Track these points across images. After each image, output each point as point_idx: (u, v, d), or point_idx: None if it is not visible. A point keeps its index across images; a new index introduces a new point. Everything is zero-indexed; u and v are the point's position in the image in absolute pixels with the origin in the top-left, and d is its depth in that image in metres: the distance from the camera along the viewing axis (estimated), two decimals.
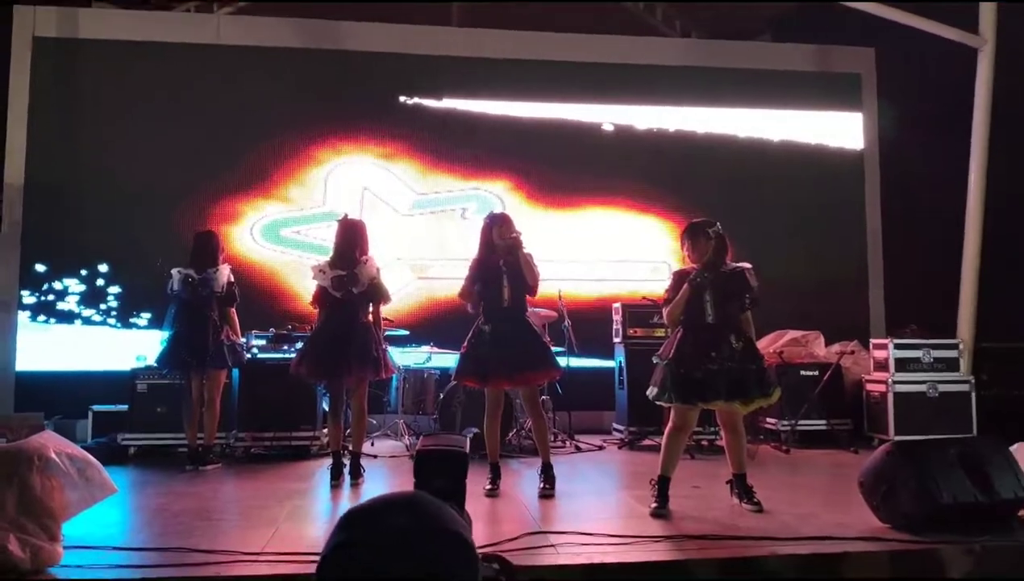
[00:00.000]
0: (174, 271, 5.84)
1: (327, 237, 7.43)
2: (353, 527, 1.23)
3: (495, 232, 4.86)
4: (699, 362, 4.29)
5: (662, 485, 4.36)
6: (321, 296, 5.17)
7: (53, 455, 3.36)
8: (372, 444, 6.55)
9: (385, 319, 6.79)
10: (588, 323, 7.42)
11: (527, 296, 4.89)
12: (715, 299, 4.39)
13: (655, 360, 4.52)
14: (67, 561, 3.24)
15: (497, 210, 7.87)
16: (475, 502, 4.49)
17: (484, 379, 4.81)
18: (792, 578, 3.41)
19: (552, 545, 3.58)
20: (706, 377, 4.27)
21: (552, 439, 6.74)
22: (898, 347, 6.87)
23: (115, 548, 3.47)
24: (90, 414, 6.54)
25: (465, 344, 4.89)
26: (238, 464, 6.04)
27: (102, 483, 3.55)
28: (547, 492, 4.73)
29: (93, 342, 7.37)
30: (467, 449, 2.38)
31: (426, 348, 7.01)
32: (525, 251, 4.81)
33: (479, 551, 1.35)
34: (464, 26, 8.51)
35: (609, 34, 8.51)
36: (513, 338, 4.76)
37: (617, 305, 7.22)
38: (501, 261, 4.82)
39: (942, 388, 6.83)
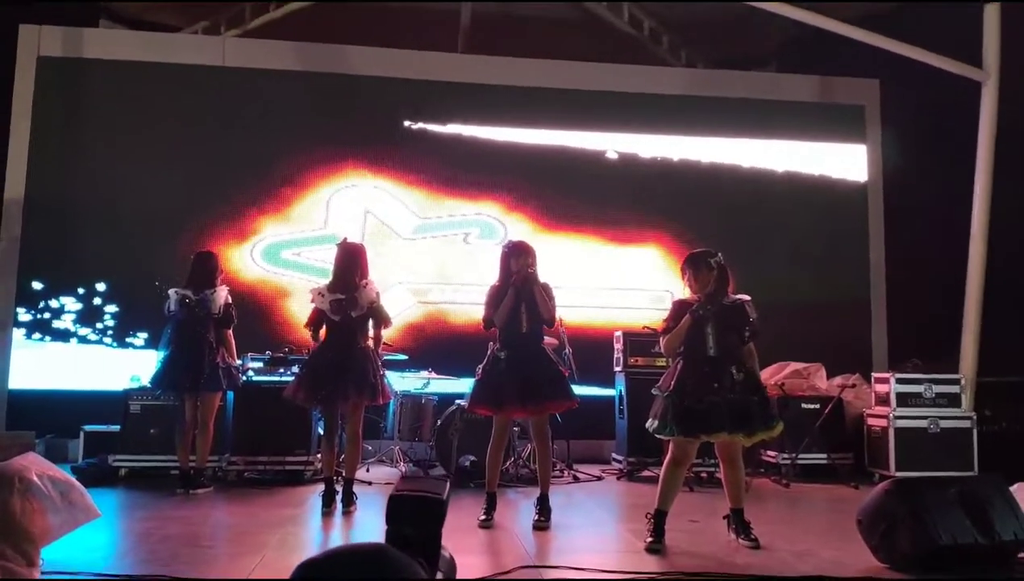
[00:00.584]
0: (171, 291, 5.80)
1: (327, 259, 7.41)
2: (308, 579, 1.17)
3: (512, 262, 4.82)
4: (701, 394, 4.23)
5: (658, 520, 4.28)
6: (318, 319, 5.13)
7: (35, 478, 3.30)
8: (367, 470, 6.47)
9: (384, 343, 6.77)
10: (589, 351, 7.33)
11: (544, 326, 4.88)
12: (716, 331, 4.34)
13: (655, 392, 4.46)
14: None
15: (502, 236, 7.93)
16: (468, 534, 4.42)
17: (498, 406, 4.76)
18: None
19: (544, 580, 3.50)
20: (709, 409, 4.21)
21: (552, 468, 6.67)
22: (900, 382, 6.79)
23: (95, 575, 3.40)
24: (82, 434, 6.47)
25: (479, 370, 4.85)
26: (231, 488, 5.96)
27: (85, 507, 3.48)
28: (541, 524, 4.66)
29: (88, 361, 7.32)
30: (445, 495, 2.29)
31: (424, 373, 6.95)
32: (541, 283, 4.80)
33: None
34: (470, 52, 8.54)
35: (614, 63, 8.53)
36: (529, 365, 4.73)
37: (618, 333, 7.16)
38: (519, 288, 4.78)
39: (944, 424, 6.74)
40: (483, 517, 4.70)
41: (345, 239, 5.47)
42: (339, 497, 5.00)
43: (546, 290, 4.80)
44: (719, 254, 4.45)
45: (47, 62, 7.60)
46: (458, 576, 3.34)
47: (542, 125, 8.23)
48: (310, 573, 1.12)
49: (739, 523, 4.34)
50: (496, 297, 4.84)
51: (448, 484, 2.48)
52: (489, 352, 4.86)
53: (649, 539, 4.19)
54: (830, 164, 8.69)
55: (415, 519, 2.14)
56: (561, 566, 3.67)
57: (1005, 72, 7.27)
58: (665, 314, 4.64)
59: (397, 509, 2.17)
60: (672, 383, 4.33)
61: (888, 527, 3.79)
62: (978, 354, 7.33)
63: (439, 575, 2.21)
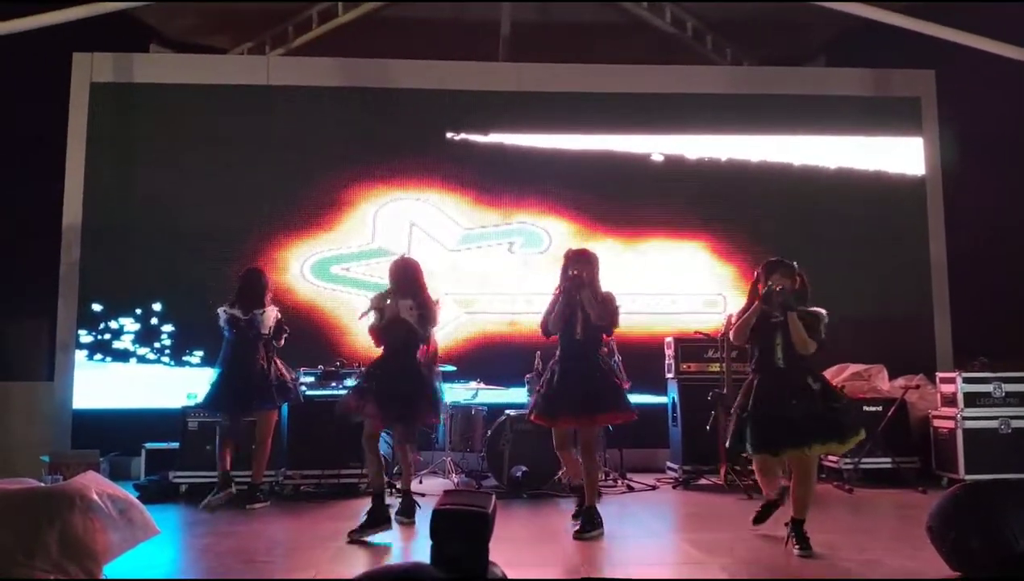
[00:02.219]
0: (220, 310, 5.88)
1: (375, 274, 7.50)
2: None
3: (568, 268, 4.88)
4: (779, 407, 4.18)
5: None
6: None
7: (95, 496, 3.34)
8: (420, 482, 6.46)
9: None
10: (640, 358, 7.22)
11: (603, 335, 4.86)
12: (785, 342, 4.26)
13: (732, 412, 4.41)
14: None
15: (546, 244, 7.89)
16: (520, 545, 4.37)
17: (552, 417, 4.78)
18: None
19: None
20: (785, 425, 4.16)
21: (603, 478, 6.58)
22: (967, 381, 6.53)
23: None
24: (143, 452, 6.60)
25: (541, 381, 4.91)
26: (286, 502, 6.01)
27: (144, 524, 3.52)
28: (580, 534, 4.56)
29: (147, 380, 7.48)
30: (491, 508, 2.23)
31: (473, 384, 6.92)
32: (604, 291, 4.81)
33: None
34: (510, 60, 8.53)
35: (658, 64, 8.43)
36: (580, 376, 4.71)
37: (669, 339, 7.05)
38: (577, 295, 4.78)
39: (1015, 424, 6.46)
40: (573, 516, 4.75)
41: (402, 256, 5.52)
42: (395, 511, 4.97)
43: (607, 298, 4.79)
44: (795, 263, 4.46)
45: (99, 88, 7.80)
46: None
47: (585, 130, 8.15)
48: None
49: (799, 534, 4.21)
50: (552, 304, 4.85)
51: (494, 498, 2.42)
52: (550, 362, 4.89)
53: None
54: (886, 159, 8.42)
55: (459, 535, 2.08)
56: (617, 578, 3.59)
57: None
58: (717, 318, 4.62)
59: (440, 525, 2.12)
60: (748, 399, 4.27)
61: (960, 533, 3.61)
62: None
63: None
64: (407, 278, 5.16)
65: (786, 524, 4.32)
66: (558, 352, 4.86)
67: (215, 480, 6.06)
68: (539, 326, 4.92)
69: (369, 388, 4.97)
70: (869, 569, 3.76)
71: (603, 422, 4.89)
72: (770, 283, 4.32)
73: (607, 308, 4.76)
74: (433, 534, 2.18)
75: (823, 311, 4.39)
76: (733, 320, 4.63)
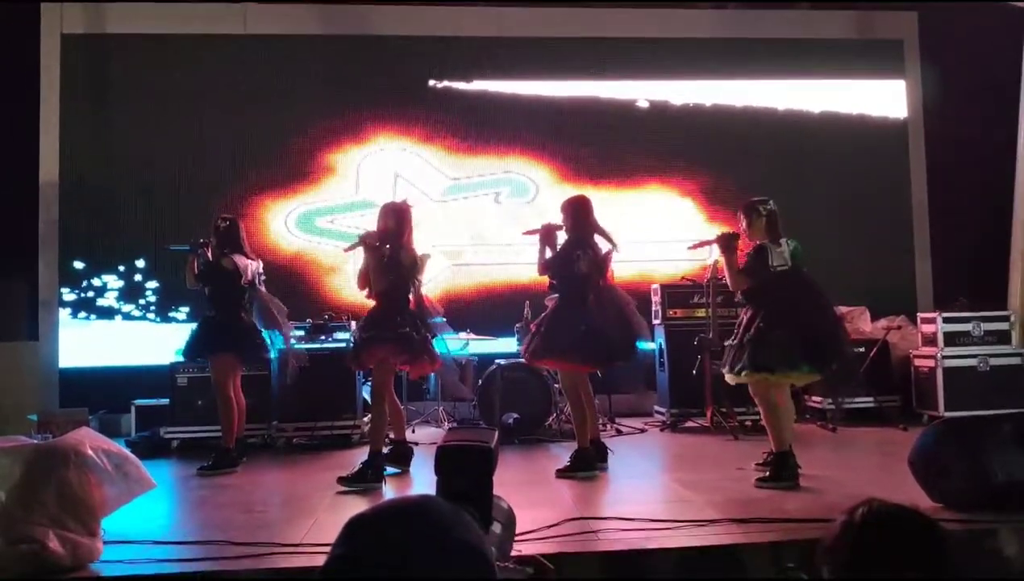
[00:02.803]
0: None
1: (361, 225, 7.45)
2: (355, 537, 1.15)
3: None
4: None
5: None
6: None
7: (90, 452, 3.36)
8: (413, 431, 6.52)
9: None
10: None
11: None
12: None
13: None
14: (107, 556, 3.26)
15: (532, 193, 7.90)
16: (513, 489, 4.42)
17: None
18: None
19: (593, 531, 3.52)
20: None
21: None
22: (947, 321, 6.65)
23: (155, 542, 3.48)
24: (133, 409, 6.60)
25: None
26: (280, 454, 6.07)
27: (140, 478, 3.55)
28: (561, 472, 4.79)
29: (133, 337, 7.44)
30: (494, 443, 2.28)
31: (463, 334, 6.95)
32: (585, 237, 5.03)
33: (516, 545, 1.27)
34: (491, 4, 8.38)
35: (641, 6, 8.31)
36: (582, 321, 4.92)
37: (656, 286, 7.10)
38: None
39: (993, 362, 6.60)
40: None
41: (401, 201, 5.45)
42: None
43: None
44: (770, 201, 4.63)
45: (71, 40, 7.58)
46: None
47: (569, 76, 8.06)
48: (359, 529, 1.12)
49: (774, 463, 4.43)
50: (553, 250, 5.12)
51: (496, 433, 2.48)
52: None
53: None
54: (869, 102, 8.41)
55: (464, 469, 2.14)
56: (609, 517, 3.68)
57: None
58: (702, 264, 4.77)
59: (445, 460, 2.18)
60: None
61: (941, 467, 3.74)
62: None
63: (496, 524, 2.22)
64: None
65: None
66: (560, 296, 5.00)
67: (206, 435, 6.03)
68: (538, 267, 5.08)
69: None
70: (852, 502, 3.85)
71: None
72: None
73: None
74: (438, 470, 2.24)
75: (780, 242, 4.55)
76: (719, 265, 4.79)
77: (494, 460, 2.32)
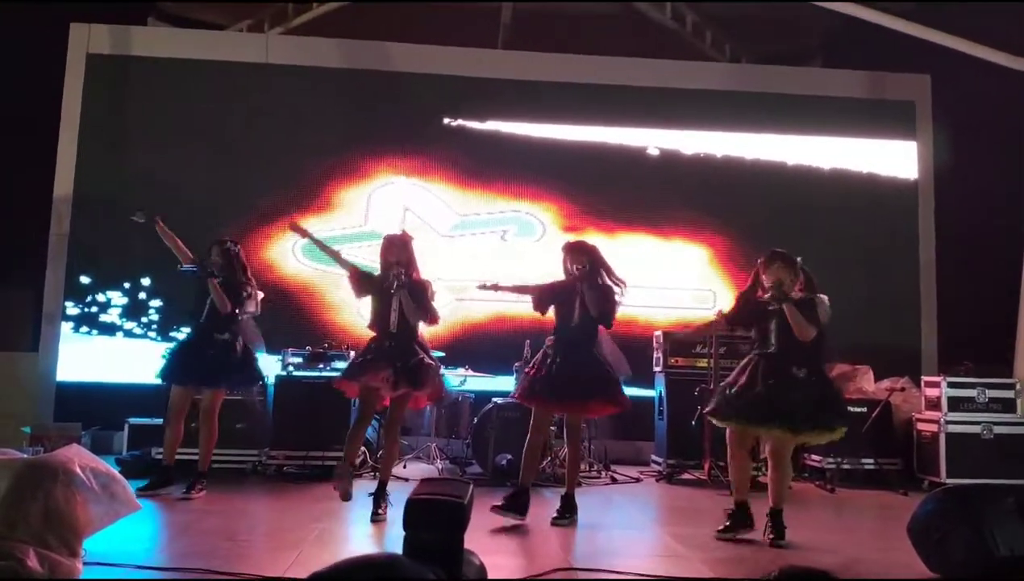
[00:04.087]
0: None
1: (367, 256, 7.46)
2: None
3: (570, 261, 4.90)
4: (762, 385, 4.31)
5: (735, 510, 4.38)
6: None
7: (78, 470, 3.33)
8: (404, 467, 6.47)
9: None
10: (628, 350, 7.16)
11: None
12: (779, 327, 4.39)
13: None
14: (86, 576, 3.19)
15: (540, 233, 7.89)
16: (503, 534, 4.38)
17: (530, 398, 4.77)
18: None
19: None
20: (752, 400, 4.28)
21: (587, 469, 6.61)
22: (951, 385, 6.57)
23: (136, 566, 3.43)
24: (126, 426, 6.56)
25: (532, 363, 4.90)
26: (270, 483, 6.00)
27: (126, 499, 3.51)
28: (558, 521, 4.64)
29: (133, 355, 7.43)
30: (467, 498, 2.21)
31: (461, 371, 6.92)
32: (598, 279, 4.81)
33: None
34: (510, 48, 8.49)
35: (657, 58, 8.41)
36: (571, 362, 4.71)
37: (658, 333, 7.06)
38: (578, 284, 4.81)
39: (998, 430, 6.51)
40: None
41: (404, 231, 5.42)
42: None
43: (606, 292, 4.81)
44: (799, 259, 4.56)
45: (96, 60, 7.73)
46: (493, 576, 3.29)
47: (582, 122, 8.14)
48: None
49: (776, 523, 4.28)
50: (551, 285, 4.94)
51: (471, 487, 2.39)
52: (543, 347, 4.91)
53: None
54: (879, 161, 8.45)
55: (434, 525, 2.06)
56: (598, 569, 3.60)
57: None
58: (706, 313, 4.71)
59: (414, 514, 2.10)
60: (734, 376, 4.44)
61: (941, 537, 3.66)
62: None
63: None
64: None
65: (766, 515, 4.37)
66: (551, 335, 4.87)
67: (198, 458, 5.93)
68: (532, 302, 4.93)
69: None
70: (847, 568, 3.78)
71: (586, 411, 4.91)
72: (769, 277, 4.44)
73: (606, 304, 4.76)
74: (407, 524, 2.16)
75: (823, 296, 4.50)
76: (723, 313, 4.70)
77: (467, 516, 2.24)
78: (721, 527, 4.37)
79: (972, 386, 6.60)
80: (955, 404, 6.53)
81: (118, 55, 7.80)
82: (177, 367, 5.37)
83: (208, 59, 7.89)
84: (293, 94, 7.91)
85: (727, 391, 4.42)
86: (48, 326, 7.44)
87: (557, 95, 8.13)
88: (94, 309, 7.51)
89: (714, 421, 4.55)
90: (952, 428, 6.45)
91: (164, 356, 5.47)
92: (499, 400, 6.31)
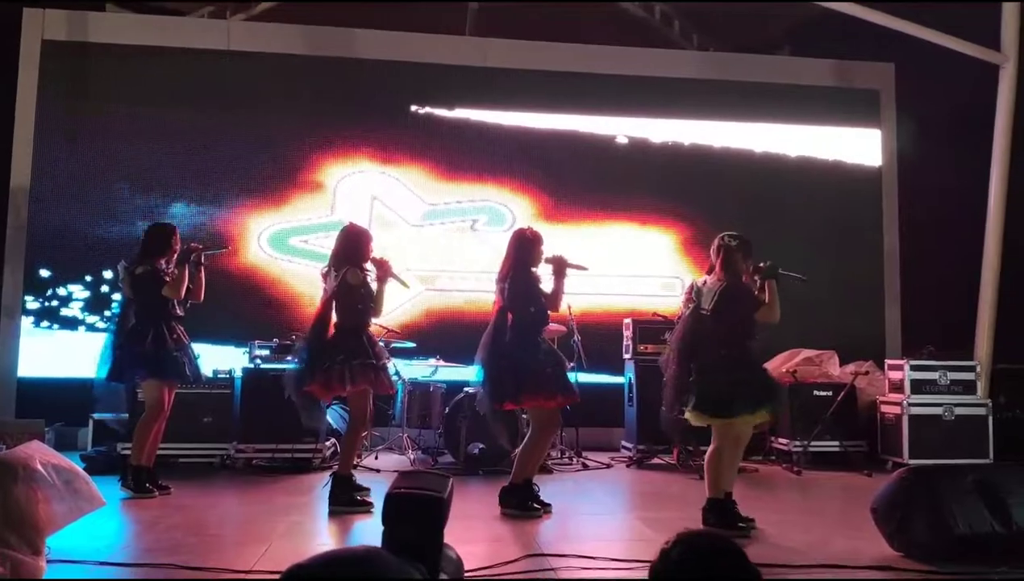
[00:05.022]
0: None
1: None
2: None
3: (537, 250, 4.84)
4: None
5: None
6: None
7: (39, 466, 3.27)
8: (376, 458, 6.44)
9: (391, 331, 6.72)
10: (598, 338, 7.30)
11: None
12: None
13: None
14: (50, 575, 3.14)
15: (510, 222, 7.85)
16: (475, 522, 4.38)
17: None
18: None
19: (552, 569, 3.47)
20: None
21: (559, 456, 6.64)
22: (914, 368, 6.71)
23: (100, 563, 3.38)
24: (90, 422, 6.45)
25: (545, 361, 4.75)
26: (238, 476, 5.94)
27: (90, 495, 3.45)
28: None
29: (95, 349, 7.24)
30: (447, 492, 2.19)
31: (432, 361, 6.90)
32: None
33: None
34: (477, 36, 8.44)
35: (625, 46, 8.41)
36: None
37: (628, 321, 7.10)
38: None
39: (959, 411, 6.65)
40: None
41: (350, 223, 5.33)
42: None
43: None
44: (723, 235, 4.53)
45: (51, 46, 7.52)
46: (465, 566, 3.29)
47: (551, 109, 8.13)
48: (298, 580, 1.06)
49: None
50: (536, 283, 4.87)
51: (451, 481, 2.36)
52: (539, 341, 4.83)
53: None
54: (844, 149, 8.56)
55: (413, 520, 2.04)
56: (568, 555, 3.62)
57: (1023, 54, 7.13)
58: (675, 301, 4.67)
59: (394, 509, 2.08)
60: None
61: (904, 516, 3.74)
62: (993, 340, 7.25)
63: (443, 576, 2.14)
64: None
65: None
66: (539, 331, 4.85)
67: (164, 452, 5.81)
68: (552, 306, 4.85)
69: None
70: (814, 549, 3.84)
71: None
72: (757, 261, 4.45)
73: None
74: (386, 519, 2.13)
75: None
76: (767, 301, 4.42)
77: (446, 511, 2.22)
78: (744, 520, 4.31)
79: (934, 369, 6.74)
80: (918, 387, 6.66)
81: (75, 41, 7.60)
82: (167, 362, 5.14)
83: (168, 45, 7.72)
84: (256, 81, 7.78)
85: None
86: (7, 321, 7.27)
87: (525, 83, 8.10)
88: (55, 303, 7.36)
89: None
90: (915, 410, 6.58)
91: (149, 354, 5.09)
92: (470, 390, 6.29)
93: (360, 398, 4.81)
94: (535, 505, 4.64)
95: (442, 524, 2.12)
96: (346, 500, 4.64)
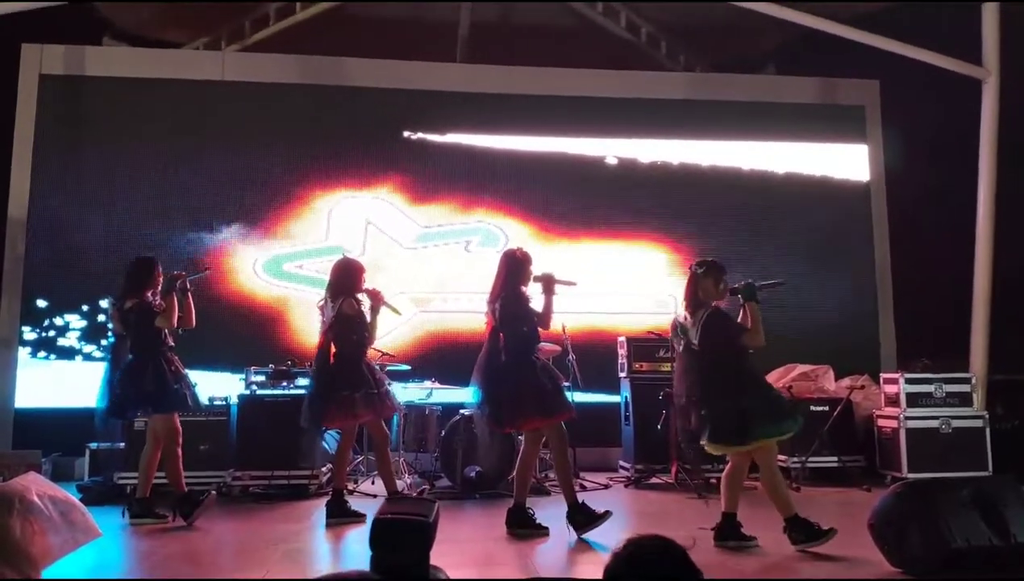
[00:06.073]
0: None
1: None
2: None
3: (527, 270, 4.91)
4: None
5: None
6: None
7: (35, 498, 3.28)
8: (372, 483, 6.42)
9: (386, 354, 6.75)
10: (593, 357, 7.31)
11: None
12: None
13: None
14: None
15: (503, 243, 7.90)
16: (471, 545, 4.38)
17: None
18: None
19: None
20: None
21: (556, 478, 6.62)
22: (909, 382, 6.71)
23: None
24: (87, 452, 6.44)
25: (542, 379, 4.78)
26: (234, 503, 5.92)
27: (86, 527, 3.46)
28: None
29: (93, 379, 7.24)
30: (433, 517, 2.22)
31: (428, 383, 6.90)
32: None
33: None
34: (468, 62, 8.54)
35: (613, 69, 8.50)
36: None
37: (622, 339, 7.12)
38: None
39: (956, 423, 6.65)
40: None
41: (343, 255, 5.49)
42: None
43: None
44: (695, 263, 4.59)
45: (49, 80, 7.61)
46: None
47: (541, 132, 8.20)
48: None
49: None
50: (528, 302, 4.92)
51: (437, 506, 2.40)
52: (537, 361, 4.86)
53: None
54: (832, 164, 8.63)
55: (400, 544, 2.08)
56: (568, 578, 3.62)
57: (1005, 69, 7.23)
58: (668, 318, 4.70)
59: (381, 534, 2.11)
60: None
61: (900, 531, 3.74)
62: (988, 352, 7.26)
63: None
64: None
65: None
66: (534, 350, 4.88)
67: (160, 482, 5.79)
68: (543, 323, 4.87)
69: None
70: (812, 565, 3.84)
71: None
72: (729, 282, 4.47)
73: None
74: (373, 543, 2.17)
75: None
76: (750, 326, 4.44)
77: (432, 534, 2.26)
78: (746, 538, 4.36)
79: (930, 382, 6.74)
80: (913, 400, 6.66)
81: (72, 75, 7.69)
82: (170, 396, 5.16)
83: (164, 77, 7.80)
84: (251, 111, 7.86)
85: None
86: (5, 351, 7.28)
87: (516, 107, 8.19)
88: (52, 333, 7.38)
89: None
90: (911, 424, 6.59)
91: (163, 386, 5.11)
92: (466, 411, 6.29)
93: (375, 426, 5.20)
94: (538, 524, 4.68)
95: (428, 547, 2.15)
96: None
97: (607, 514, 4.62)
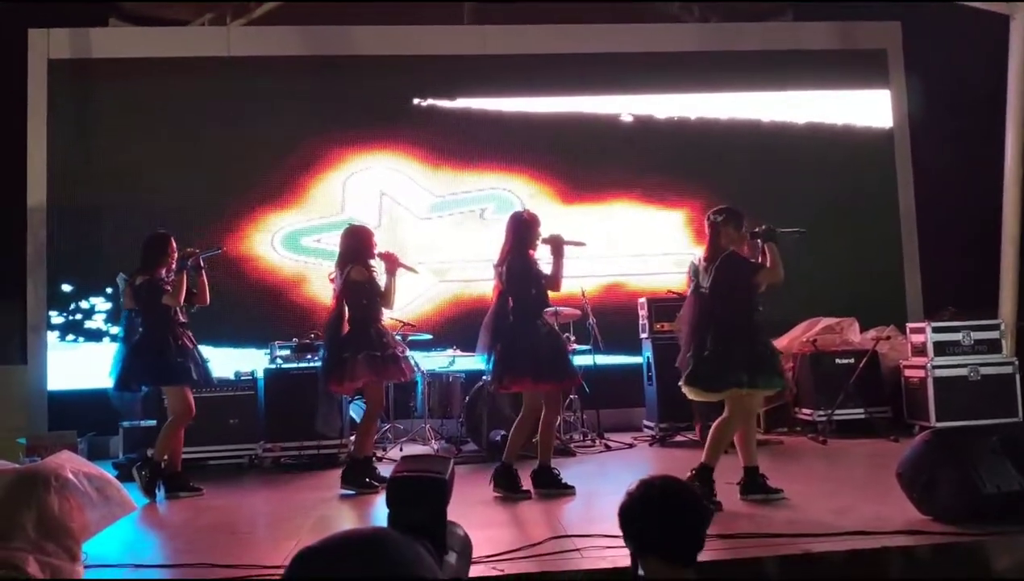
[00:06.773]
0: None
1: None
2: (305, 570, 1.14)
3: (534, 232, 4.86)
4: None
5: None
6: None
7: (70, 475, 3.34)
8: (401, 449, 6.49)
9: (407, 324, 6.79)
10: (613, 319, 7.30)
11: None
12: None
13: None
14: (88, 576, 3.22)
15: (519, 208, 7.86)
16: (498, 506, 4.43)
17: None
18: (829, 576, 3.28)
19: (577, 549, 3.50)
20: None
21: (582, 438, 6.67)
22: (936, 330, 6.63)
23: (136, 565, 3.46)
24: (121, 430, 6.57)
25: (541, 344, 4.75)
26: (266, 474, 6.03)
27: (121, 501, 3.53)
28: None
29: None
30: (448, 473, 2.25)
31: (450, 351, 6.93)
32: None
33: (501, 564, 1.26)
34: (474, 23, 8.42)
35: (625, 23, 8.35)
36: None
37: (642, 300, 7.09)
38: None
39: (984, 371, 6.58)
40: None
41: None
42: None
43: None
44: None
45: (57, 65, 7.61)
46: (490, 550, 3.34)
47: (552, 92, 8.09)
48: (308, 563, 1.10)
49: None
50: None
51: (452, 462, 2.42)
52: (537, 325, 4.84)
53: None
54: (853, 112, 8.45)
55: (417, 501, 2.11)
56: (594, 535, 3.64)
57: None
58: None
59: (396, 491, 2.15)
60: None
61: (929, 479, 3.72)
62: (1017, 297, 7.14)
63: (451, 554, 2.20)
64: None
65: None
66: (542, 313, 4.88)
67: (193, 456, 5.92)
68: (553, 286, 4.84)
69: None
70: (840, 516, 3.84)
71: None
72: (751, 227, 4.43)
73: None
74: (390, 501, 2.21)
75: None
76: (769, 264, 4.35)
77: (448, 490, 2.29)
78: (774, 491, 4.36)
79: (957, 330, 6.66)
80: (941, 349, 6.59)
81: (80, 58, 7.69)
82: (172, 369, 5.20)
83: (171, 56, 7.78)
84: (259, 85, 7.82)
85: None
86: (34, 337, 7.40)
87: (525, 68, 8.08)
88: (79, 316, 7.48)
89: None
90: (939, 372, 6.52)
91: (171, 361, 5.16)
92: (487, 378, 6.31)
93: (371, 388, 5.10)
94: (564, 484, 4.71)
95: (444, 503, 2.19)
96: (357, 482, 4.94)
97: (570, 488, 4.69)
